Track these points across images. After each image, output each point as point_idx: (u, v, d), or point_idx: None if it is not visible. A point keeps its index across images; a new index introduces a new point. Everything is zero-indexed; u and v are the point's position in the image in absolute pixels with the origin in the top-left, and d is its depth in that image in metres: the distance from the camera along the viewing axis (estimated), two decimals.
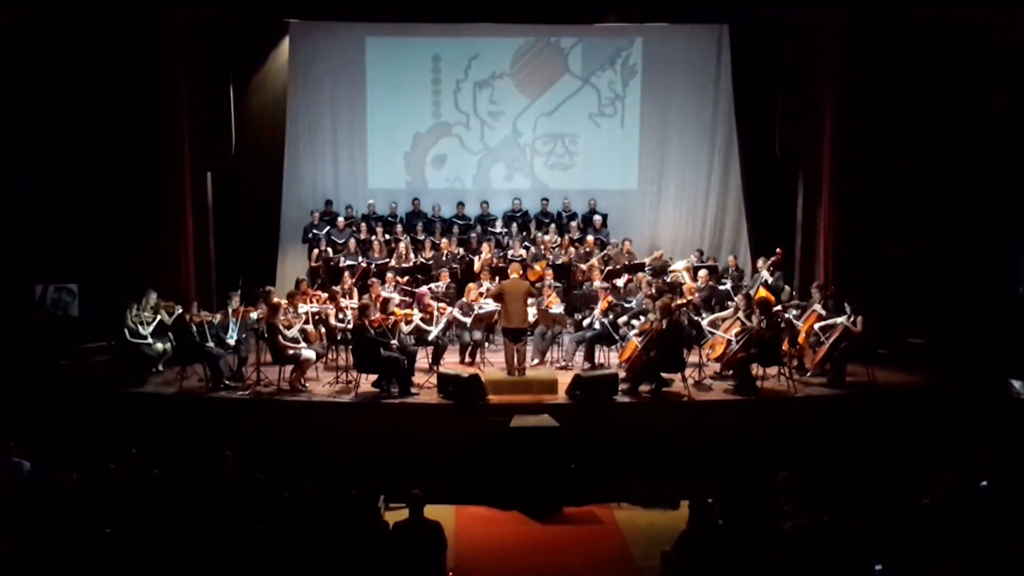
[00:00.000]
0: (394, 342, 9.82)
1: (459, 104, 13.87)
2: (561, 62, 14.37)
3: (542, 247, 13.07)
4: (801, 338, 10.51)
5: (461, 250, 13.20)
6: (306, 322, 10.47)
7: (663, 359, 9.74)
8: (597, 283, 11.63)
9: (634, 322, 10.44)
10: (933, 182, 11.86)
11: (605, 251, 13.07)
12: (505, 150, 14.46)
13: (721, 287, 11.76)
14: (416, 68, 14.24)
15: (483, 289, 11.31)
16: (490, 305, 10.95)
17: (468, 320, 10.88)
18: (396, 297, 11.04)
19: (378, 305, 10.28)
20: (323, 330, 10.71)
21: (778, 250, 12.28)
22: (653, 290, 11.04)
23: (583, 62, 14.49)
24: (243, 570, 5.85)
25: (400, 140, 14.69)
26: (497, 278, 11.96)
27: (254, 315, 10.55)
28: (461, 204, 14.28)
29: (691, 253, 13.15)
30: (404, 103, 14.28)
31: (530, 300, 10.35)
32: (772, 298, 10.79)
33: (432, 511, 6.66)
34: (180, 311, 10.44)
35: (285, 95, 13.88)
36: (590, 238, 13.40)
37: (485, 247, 12.84)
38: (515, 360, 10.14)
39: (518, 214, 14.25)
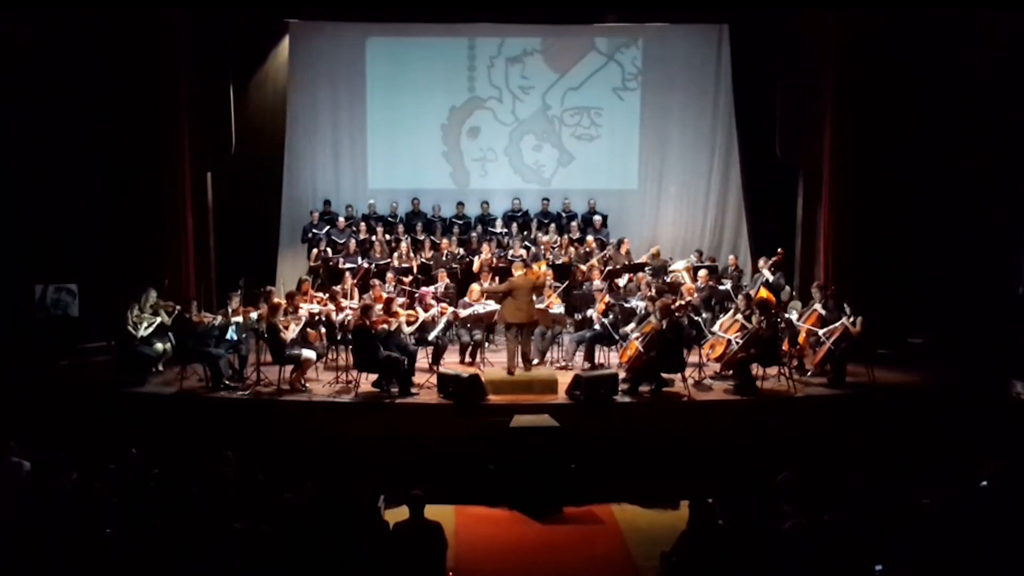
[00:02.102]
0: (402, 331, 9.82)
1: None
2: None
3: (542, 247, 13.07)
4: (801, 338, 10.51)
5: (461, 250, 13.19)
6: (307, 323, 10.46)
7: (663, 359, 9.74)
8: (597, 283, 11.63)
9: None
10: (933, 182, 11.85)
11: (605, 251, 13.08)
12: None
13: (721, 287, 11.75)
14: (417, 64, 14.33)
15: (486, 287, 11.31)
16: (490, 305, 10.96)
17: (471, 309, 10.85)
18: (399, 299, 11.03)
19: (381, 306, 10.28)
20: (323, 330, 10.70)
21: (779, 250, 12.28)
22: (653, 290, 11.04)
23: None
24: (243, 570, 5.85)
25: (403, 138, 14.70)
26: (497, 279, 11.97)
27: (254, 315, 10.55)
28: (461, 204, 14.28)
29: (691, 253, 13.16)
30: (417, 96, 14.32)
31: (535, 297, 10.34)
32: (772, 298, 10.79)
33: (432, 511, 6.66)
34: (179, 311, 10.44)
35: (285, 95, 13.88)
36: (590, 238, 13.39)
37: (485, 247, 12.84)
38: (517, 356, 10.15)
39: (518, 214, 14.26)
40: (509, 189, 14.49)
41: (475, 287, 11.25)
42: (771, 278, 11.87)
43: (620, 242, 13.13)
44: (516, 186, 14.61)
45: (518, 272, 10.41)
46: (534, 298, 10.28)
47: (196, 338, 10.06)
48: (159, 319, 10.56)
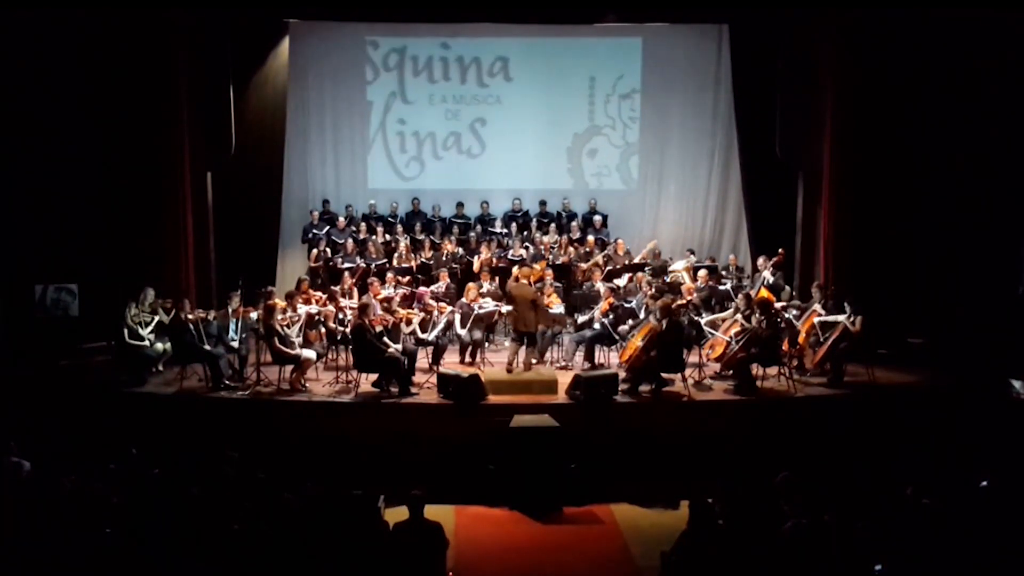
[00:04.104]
0: (396, 347, 9.80)
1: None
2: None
3: (541, 247, 13.07)
4: (801, 338, 10.51)
5: (461, 250, 13.19)
6: (307, 323, 10.45)
7: (663, 359, 9.73)
8: (599, 283, 11.62)
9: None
10: (933, 182, 11.85)
11: (605, 251, 13.09)
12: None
13: (721, 287, 11.75)
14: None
15: (484, 289, 11.32)
16: (490, 305, 10.95)
17: (464, 329, 10.85)
18: (397, 297, 11.03)
19: (379, 305, 10.27)
20: (323, 331, 10.70)
21: (780, 250, 12.29)
22: (653, 290, 11.04)
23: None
24: (243, 570, 5.85)
25: (408, 140, 14.81)
26: (497, 279, 11.97)
27: (254, 315, 10.55)
28: (460, 204, 14.28)
29: (687, 253, 13.19)
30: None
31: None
32: (772, 298, 10.79)
33: (432, 511, 6.66)
34: (175, 310, 10.45)
35: (285, 95, 13.86)
36: (590, 238, 13.41)
37: (484, 247, 12.83)
38: (518, 357, 10.14)
39: (518, 214, 14.26)
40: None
41: (472, 286, 11.25)
42: (771, 278, 11.88)
43: (615, 242, 13.16)
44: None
45: (521, 280, 10.42)
46: (535, 308, 10.23)
47: (194, 337, 10.04)
48: (158, 318, 10.56)
